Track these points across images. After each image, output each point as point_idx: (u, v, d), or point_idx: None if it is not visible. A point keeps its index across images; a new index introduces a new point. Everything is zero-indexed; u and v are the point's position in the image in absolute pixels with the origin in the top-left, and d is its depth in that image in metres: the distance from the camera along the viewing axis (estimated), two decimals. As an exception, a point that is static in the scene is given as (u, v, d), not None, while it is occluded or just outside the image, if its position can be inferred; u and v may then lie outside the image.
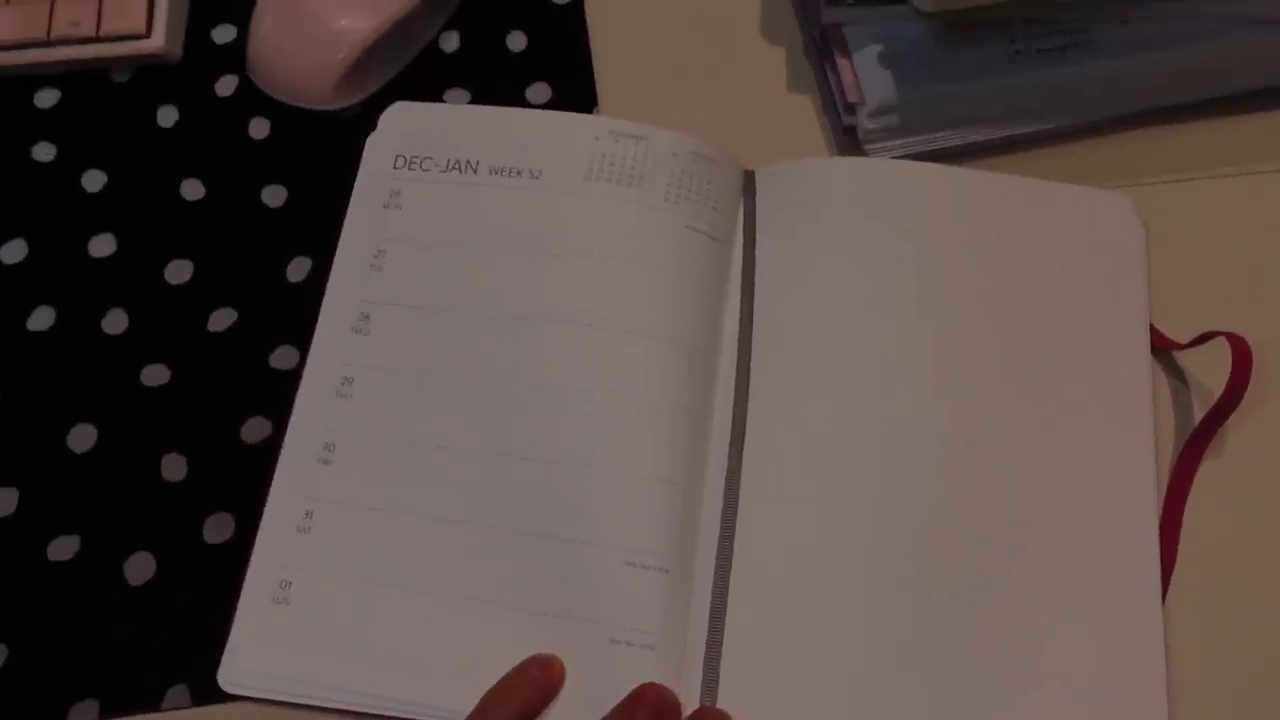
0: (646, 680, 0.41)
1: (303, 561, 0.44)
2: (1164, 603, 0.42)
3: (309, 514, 0.44)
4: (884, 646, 0.41)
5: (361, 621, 0.43)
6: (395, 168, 0.50)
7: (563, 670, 0.41)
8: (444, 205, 0.49)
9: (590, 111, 0.53)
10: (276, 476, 0.45)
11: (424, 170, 0.49)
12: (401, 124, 0.51)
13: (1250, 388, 0.44)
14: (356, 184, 0.50)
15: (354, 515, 0.44)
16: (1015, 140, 0.51)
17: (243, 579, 0.44)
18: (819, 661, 0.41)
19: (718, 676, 0.41)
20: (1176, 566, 0.43)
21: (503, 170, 0.49)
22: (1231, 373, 0.45)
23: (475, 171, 0.49)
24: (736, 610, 0.42)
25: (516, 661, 0.41)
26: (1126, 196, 0.49)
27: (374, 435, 0.45)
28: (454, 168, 0.49)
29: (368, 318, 0.47)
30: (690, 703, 0.41)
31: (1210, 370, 0.46)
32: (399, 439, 0.45)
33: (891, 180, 0.49)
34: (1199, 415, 0.46)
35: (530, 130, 0.50)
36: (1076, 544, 0.43)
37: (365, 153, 0.51)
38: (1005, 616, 0.42)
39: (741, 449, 0.45)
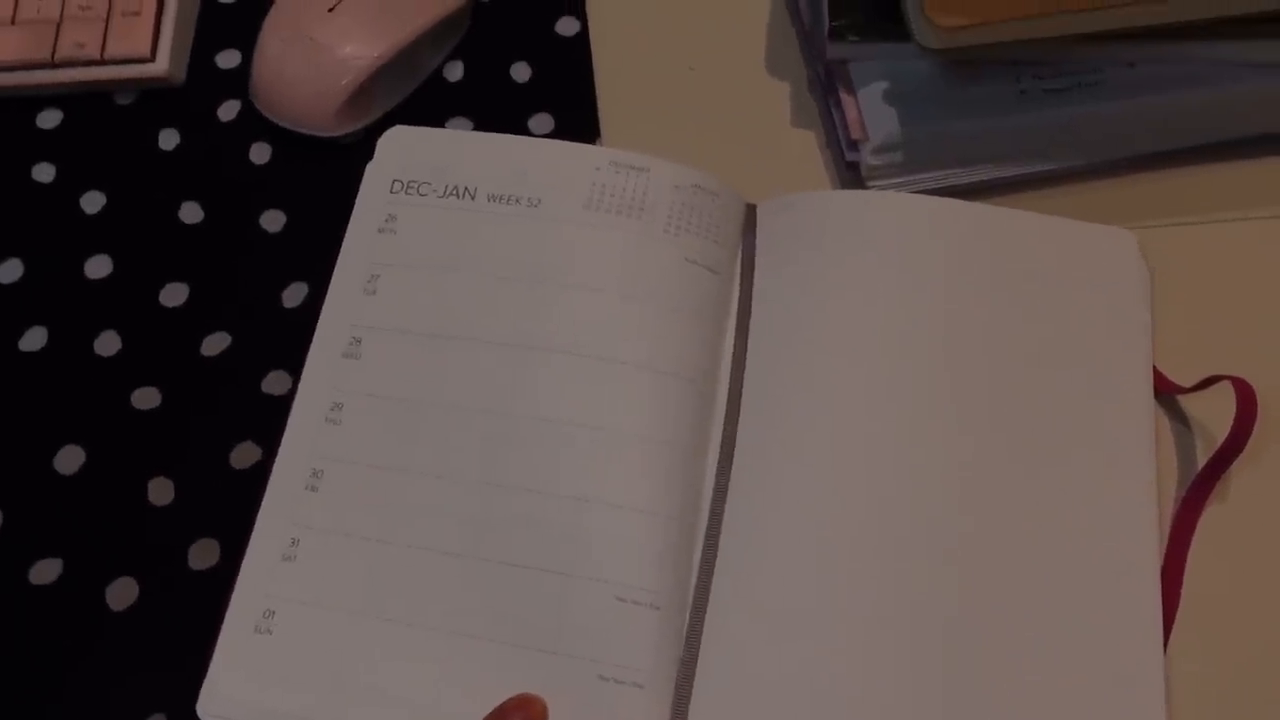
0: (638, 718, 0.40)
1: (287, 591, 0.43)
2: (1165, 651, 0.41)
3: (295, 542, 0.44)
4: (873, 693, 0.40)
5: (345, 654, 0.42)
6: (392, 192, 0.49)
7: (544, 709, 0.40)
8: (440, 231, 0.48)
9: (592, 143, 0.53)
10: (264, 503, 0.45)
11: (421, 195, 0.49)
12: (399, 148, 0.50)
13: (1255, 433, 0.44)
14: (355, 209, 0.50)
15: (341, 545, 0.43)
16: (1019, 180, 0.50)
17: (226, 607, 0.43)
18: (799, 705, 0.40)
19: (687, 715, 0.40)
20: (1178, 615, 0.42)
21: (501, 197, 0.48)
22: (1236, 417, 0.44)
23: (473, 198, 0.49)
24: (710, 649, 0.41)
25: (502, 698, 0.40)
26: (1130, 233, 0.48)
27: (362, 463, 0.44)
28: (452, 194, 0.49)
29: (359, 342, 0.47)
30: None
31: (1214, 415, 0.45)
32: (388, 467, 0.44)
33: (892, 213, 0.48)
34: (1202, 461, 0.45)
35: (530, 158, 0.49)
36: (1076, 590, 0.42)
37: (364, 179, 0.50)
38: (1002, 665, 0.41)
39: (727, 484, 0.44)
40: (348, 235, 0.49)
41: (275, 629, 0.42)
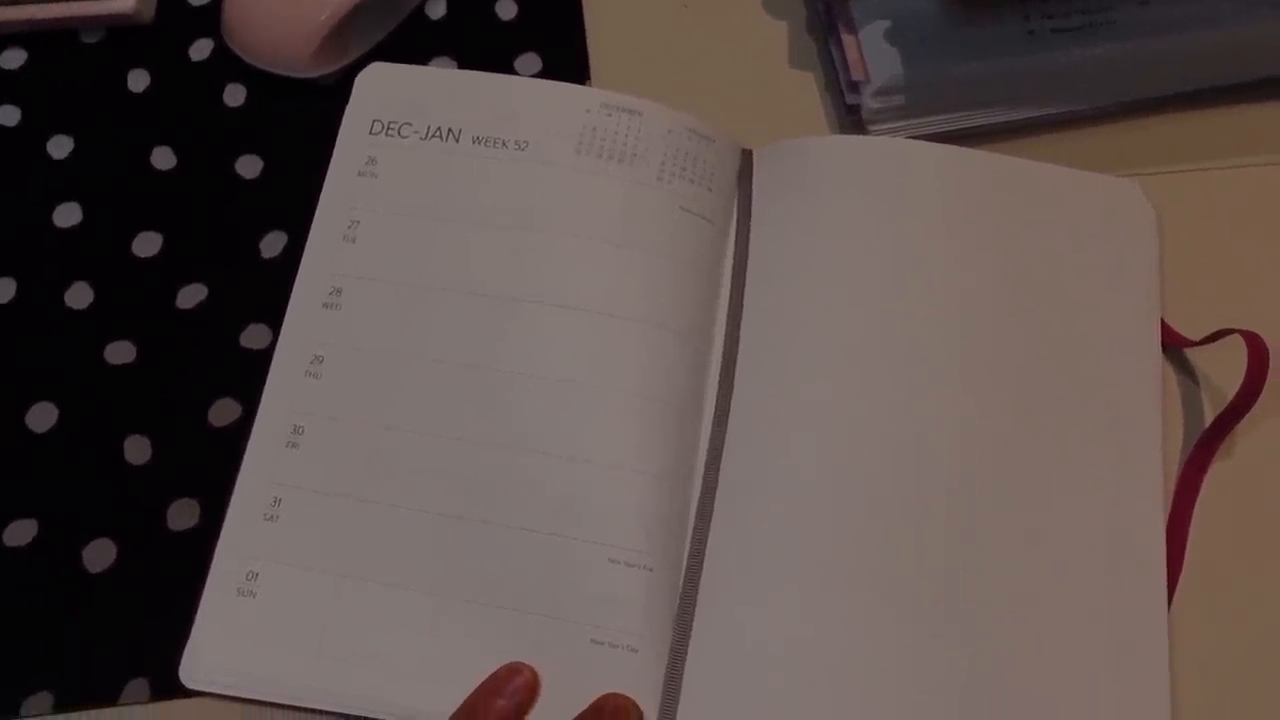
0: (628, 683, 0.39)
1: (270, 552, 0.42)
2: (1170, 608, 0.41)
3: (277, 501, 0.42)
4: (871, 655, 0.39)
5: (330, 616, 0.41)
6: (372, 133, 0.47)
7: (534, 678, 0.39)
8: (423, 175, 0.46)
9: (582, 84, 0.51)
10: (245, 461, 0.43)
11: (402, 137, 0.47)
12: (379, 86, 0.48)
13: (1266, 388, 0.42)
14: (335, 153, 0.48)
15: (324, 504, 0.42)
16: (1025, 124, 0.49)
17: (208, 569, 0.42)
18: (795, 668, 0.39)
19: (680, 681, 0.40)
20: (1183, 572, 0.42)
21: (487, 140, 0.47)
22: (1246, 372, 0.43)
23: (458, 140, 0.47)
24: (705, 612, 0.40)
25: (492, 662, 0.39)
26: (1137, 184, 0.47)
27: (344, 418, 0.43)
28: (435, 135, 0.47)
29: (339, 292, 0.45)
30: (654, 703, 0.39)
31: (1223, 369, 0.44)
32: (370, 423, 0.43)
33: (894, 160, 0.47)
34: (1210, 416, 0.44)
35: (518, 99, 0.47)
36: (1080, 546, 0.41)
37: (344, 121, 0.48)
38: (1003, 618, 0.40)
39: (723, 442, 0.43)
40: (327, 180, 0.47)
41: (259, 591, 0.41)
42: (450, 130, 0.47)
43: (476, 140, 0.47)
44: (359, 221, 0.46)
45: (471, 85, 0.48)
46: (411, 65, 0.49)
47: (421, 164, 0.47)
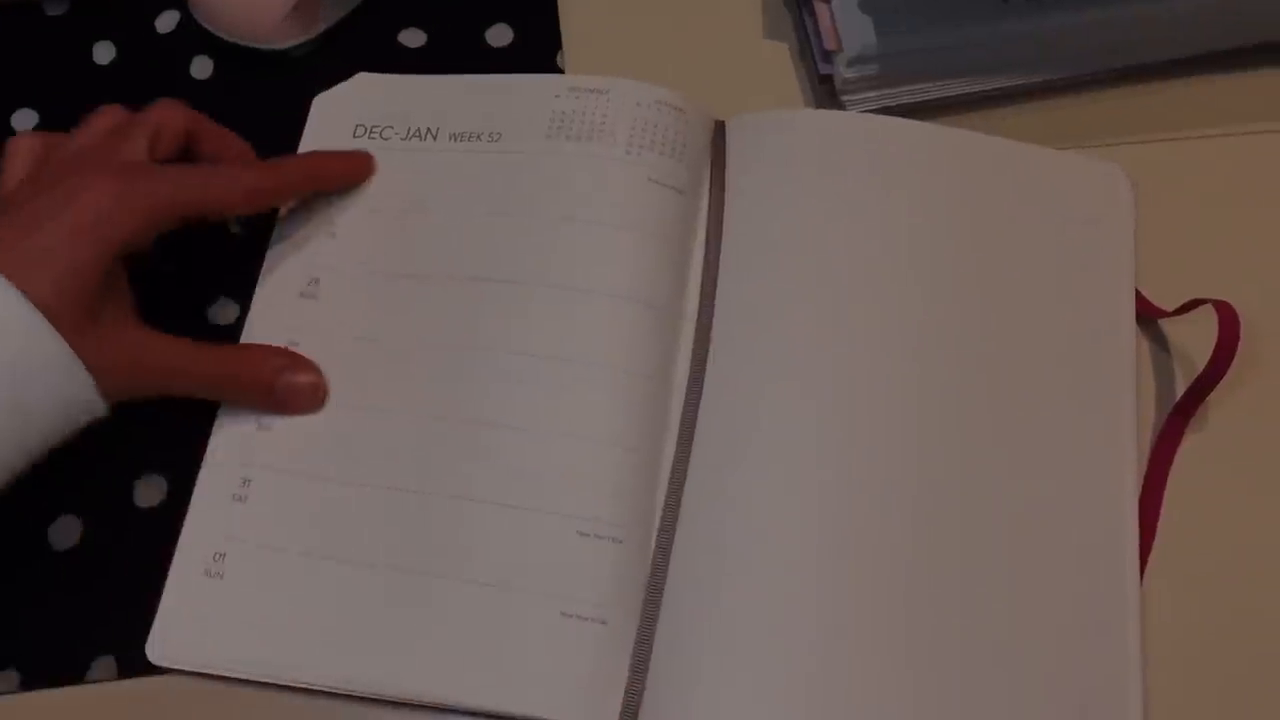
0: (598, 656, 0.39)
1: (239, 532, 0.41)
2: (1142, 580, 0.41)
3: (246, 482, 0.42)
4: (842, 630, 0.39)
5: (298, 596, 0.40)
6: (355, 136, 0.48)
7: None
8: (403, 173, 0.47)
9: (554, 55, 0.50)
10: (212, 440, 0.43)
11: (384, 139, 0.48)
12: (364, 93, 0.49)
13: (1237, 358, 0.42)
14: (303, 142, 0.48)
15: (294, 485, 0.42)
16: (1001, 93, 0.48)
17: (174, 546, 0.41)
18: (765, 642, 0.39)
19: (649, 655, 0.39)
20: (1155, 545, 0.41)
21: (462, 135, 0.47)
22: (1218, 342, 0.42)
23: (435, 138, 0.47)
24: (676, 585, 0.40)
25: (462, 637, 0.39)
26: (1117, 164, 0.46)
27: None
28: (414, 135, 0.48)
29: (317, 282, 0.45)
30: (623, 674, 0.39)
31: (1196, 339, 0.44)
32: (341, 404, 0.43)
33: (870, 136, 0.46)
34: (1183, 387, 0.43)
35: (490, 94, 0.48)
36: (1051, 520, 0.41)
37: (314, 110, 0.49)
38: (973, 593, 0.40)
39: (695, 416, 0.43)
40: None
41: (226, 572, 0.41)
42: (429, 130, 0.48)
43: (453, 136, 0.48)
44: (337, 219, 0.46)
45: (449, 87, 0.49)
46: (394, 75, 0.50)
47: (402, 163, 0.47)
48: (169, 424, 0.44)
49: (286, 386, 0.42)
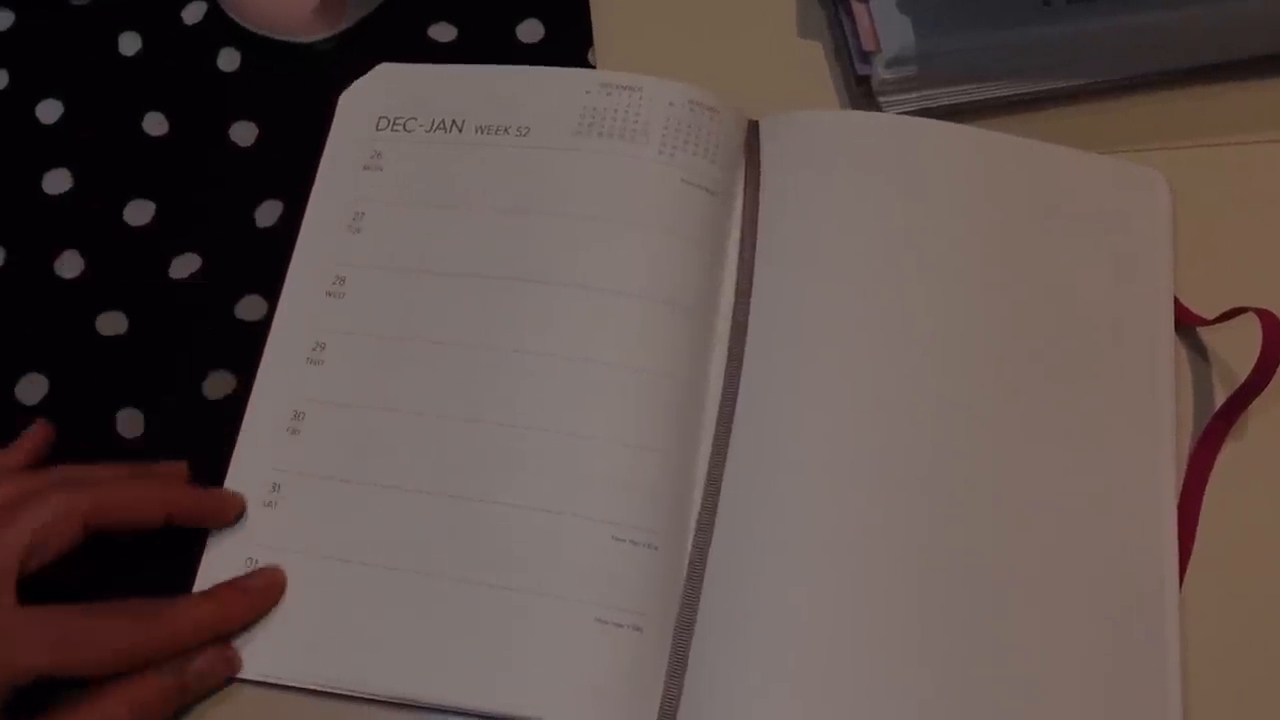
0: (634, 663, 0.38)
1: (269, 538, 0.41)
2: (1181, 589, 0.40)
3: (276, 487, 0.42)
4: (880, 631, 0.39)
5: (330, 601, 0.40)
6: (378, 129, 0.47)
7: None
8: (428, 166, 0.46)
9: (585, 53, 0.50)
10: (240, 444, 0.43)
11: (408, 131, 0.47)
12: (386, 84, 0.48)
13: (1280, 368, 0.42)
14: (330, 140, 0.48)
15: (325, 489, 0.41)
16: (1039, 97, 0.48)
17: (203, 550, 0.41)
18: (804, 648, 0.38)
19: (685, 662, 0.39)
20: (1194, 554, 0.41)
21: (489, 128, 0.47)
22: (1261, 351, 0.42)
23: (460, 131, 0.47)
24: (712, 591, 0.40)
25: (496, 643, 0.39)
26: (1156, 169, 0.46)
27: (347, 403, 0.43)
28: (439, 127, 0.47)
29: (344, 280, 0.45)
30: (658, 681, 0.39)
31: (1237, 348, 0.43)
32: (374, 407, 0.43)
33: (907, 139, 0.46)
34: (1223, 396, 0.43)
35: (518, 87, 0.47)
36: (1090, 528, 0.41)
37: (340, 106, 0.48)
38: (1012, 601, 0.39)
39: (731, 419, 0.42)
40: (323, 169, 0.47)
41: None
42: (454, 122, 0.47)
43: (480, 129, 0.47)
44: (364, 213, 0.46)
45: (474, 78, 0.48)
46: (416, 65, 0.49)
47: (427, 156, 0.47)
48: (196, 422, 0.43)
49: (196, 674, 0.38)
